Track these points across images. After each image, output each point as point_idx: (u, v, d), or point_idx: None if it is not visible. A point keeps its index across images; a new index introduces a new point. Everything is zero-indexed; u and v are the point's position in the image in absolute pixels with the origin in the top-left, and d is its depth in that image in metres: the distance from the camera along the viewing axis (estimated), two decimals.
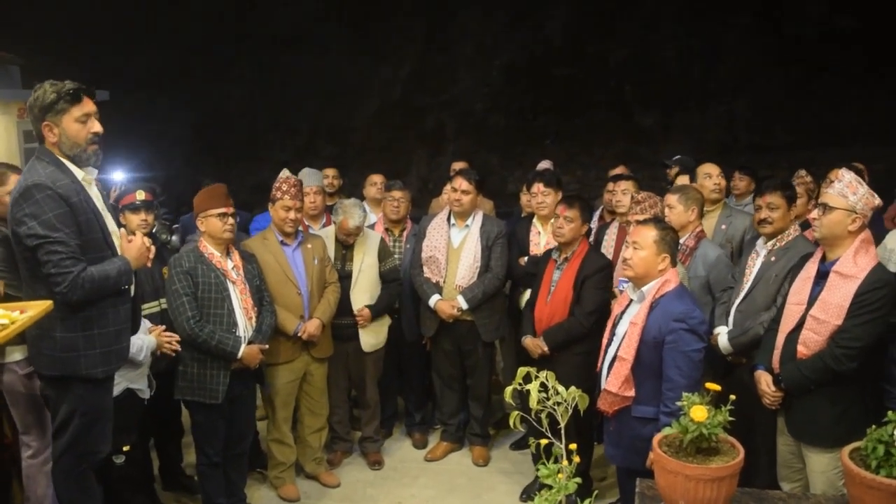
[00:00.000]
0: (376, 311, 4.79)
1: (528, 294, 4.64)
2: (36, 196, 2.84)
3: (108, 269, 2.98)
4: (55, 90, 2.93)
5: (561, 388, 2.05)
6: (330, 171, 6.06)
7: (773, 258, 3.75)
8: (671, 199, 4.23)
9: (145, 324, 3.86)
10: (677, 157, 6.35)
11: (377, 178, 5.83)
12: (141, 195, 4.06)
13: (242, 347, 3.93)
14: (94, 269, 2.93)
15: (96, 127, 3.03)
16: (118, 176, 6.68)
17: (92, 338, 3.02)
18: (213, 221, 3.93)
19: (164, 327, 3.91)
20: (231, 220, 3.97)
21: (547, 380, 2.08)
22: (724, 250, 4.27)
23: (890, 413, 2.18)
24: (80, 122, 2.98)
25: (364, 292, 4.78)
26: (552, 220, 4.52)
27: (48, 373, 3.04)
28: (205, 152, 13.29)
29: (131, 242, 3.15)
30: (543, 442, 2.06)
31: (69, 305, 2.90)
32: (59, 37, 10.99)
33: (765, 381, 3.34)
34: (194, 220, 4.08)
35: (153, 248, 3.27)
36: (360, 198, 5.31)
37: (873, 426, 2.20)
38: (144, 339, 3.74)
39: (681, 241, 4.08)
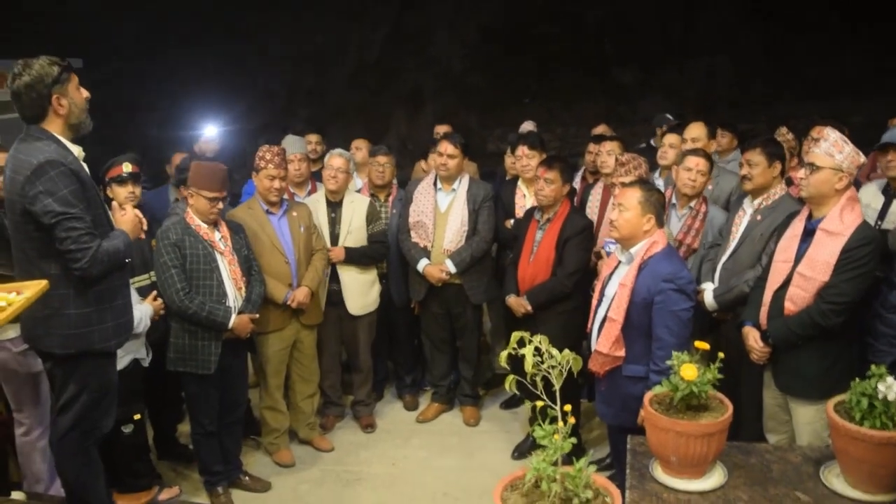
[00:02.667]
0: (350, 256, 4.76)
1: None
2: (50, 172, 2.81)
3: (116, 242, 3.01)
4: (53, 62, 2.91)
5: (555, 352, 2.08)
6: (313, 137, 5.98)
7: (759, 217, 3.77)
8: (702, 163, 4.11)
9: (136, 296, 3.86)
10: (663, 115, 6.46)
11: (361, 144, 5.78)
12: (128, 167, 4.01)
13: (233, 317, 3.94)
14: (106, 244, 2.95)
15: (86, 92, 3.06)
16: None
17: (104, 311, 3.04)
18: (203, 202, 3.90)
19: (155, 293, 3.94)
20: (219, 206, 3.96)
21: (541, 344, 2.11)
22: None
23: (873, 367, 2.23)
24: (78, 89, 3.01)
25: None
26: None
27: (61, 352, 3.00)
28: (180, 119, 13.08)
29: (125, 215, 3.19)
30: (539, 404, 2.10)
31: (85, 281, 2.92)
32: (28, 5, 10.69)
33: (752, 336, 3.39)
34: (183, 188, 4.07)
35: (145, 221, 3.32)
36: None
37: (857, 379, 2.26)
38: (142, 310, 3.77)
39: (691, 204, 4.13)
